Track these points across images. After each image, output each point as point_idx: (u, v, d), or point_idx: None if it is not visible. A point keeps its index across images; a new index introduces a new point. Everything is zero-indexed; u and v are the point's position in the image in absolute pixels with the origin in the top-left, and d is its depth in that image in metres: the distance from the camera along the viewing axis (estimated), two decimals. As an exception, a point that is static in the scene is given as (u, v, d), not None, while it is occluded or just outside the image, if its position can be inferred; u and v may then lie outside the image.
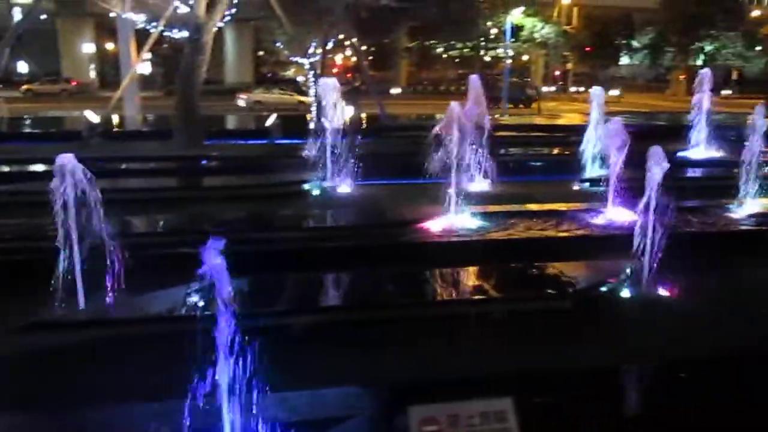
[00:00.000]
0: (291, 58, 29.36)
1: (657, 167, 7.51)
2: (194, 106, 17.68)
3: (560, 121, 28.18)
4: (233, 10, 19.74)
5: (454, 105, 9.94)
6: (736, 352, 6.23)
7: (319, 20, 22.26)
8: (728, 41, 53.98)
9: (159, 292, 7.11)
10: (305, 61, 23.94)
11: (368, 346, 6.11)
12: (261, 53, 61.35)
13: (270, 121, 18.69)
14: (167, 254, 7.75)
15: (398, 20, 35.55)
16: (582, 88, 58.84)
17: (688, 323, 7.01)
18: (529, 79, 58.02)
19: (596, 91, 13.57)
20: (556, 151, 17.19)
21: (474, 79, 12.52)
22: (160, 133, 19.14)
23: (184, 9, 17.53)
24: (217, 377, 4.02)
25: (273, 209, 11.32)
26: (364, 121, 22.82)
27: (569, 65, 61.37)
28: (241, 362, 4.05)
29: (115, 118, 23.31)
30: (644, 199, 7.90)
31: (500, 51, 46.82)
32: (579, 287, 7.74)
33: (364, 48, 32.60)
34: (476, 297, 7.61)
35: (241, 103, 39.09)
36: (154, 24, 19.23)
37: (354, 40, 26.91)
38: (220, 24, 18.89)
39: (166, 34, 19.77)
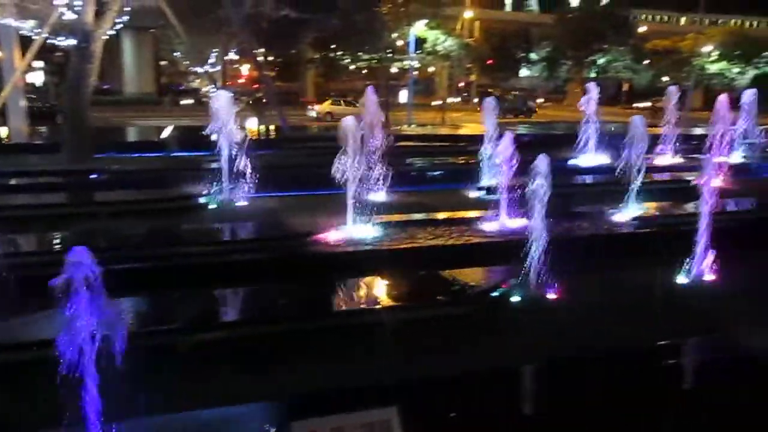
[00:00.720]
0: (191, 68, 28.63)
1: (541, 176, 7.76)
2: (84, 117, 16.83)
3: (461, 131, 28.95)
4: (125, 18, 18.98)
5: (349, 117, 9.96)
6: (622, 348, 6.56)
7: (218, 30, 21.81)
8: (618, 55, 57.19)
9: (31, 316, 6.65)
10: (205, 71, 23.38)
11: (261, 362, 5.97)
12: (163, 63, 59.49)
13: (166, 133, 18.08)
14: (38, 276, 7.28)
15: (301, 31, 35.43)
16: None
17: (577, 323, 7.27)
18: (517, 93, 60.19)
19: (489, 102, 13.98)
20: (455, 160, 17.56)
21: (370, 91, 12.60)
22: (47, 145, 18.11)
23: (70, 15, 16.66)
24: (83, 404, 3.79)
25: (166, 224, 10.88)
26: (265, 133, 22.51)
27: (472, 77, 63.18)
28: (108, 387, 3.83)
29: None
30: (531, 206, 8.17)
31: (406, 62, 47.56)
32: (474, 293, 7.88)
33: (270, 59, 32.29)
34: (372, 306, 7.60)
35: (312, 114, 41.69)
36: (38, 31, 18.19)
37: (258, 50, 26.55)
38: (112, 32, 18.12)
39: (52, 41, 18.71)
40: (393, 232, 9.94)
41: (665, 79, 63.92)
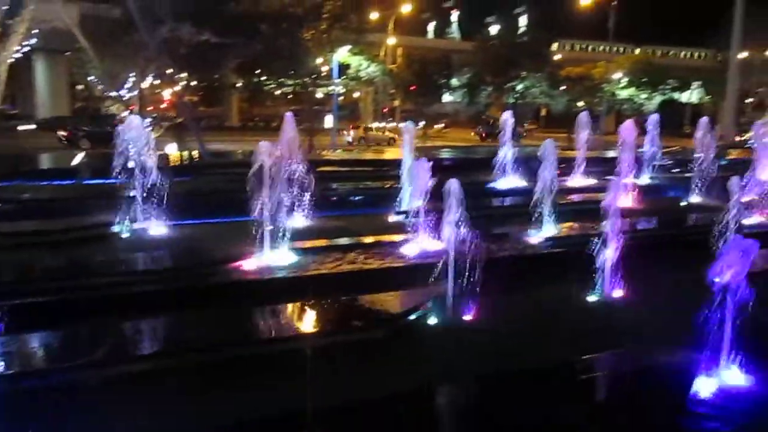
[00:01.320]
0: (105, 93, 27.77)
1: (455, 199, 7.88)
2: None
3: (383, 156, 29.21)
4: (34, 41, 18.27)
5: (264, 143, 9.87)
6: (539, 365, 6.69)
7: (135, 55, 21.26)
8: (535, 81, 59.40)
9: None
10: (120, 96, 22.72)
11: (173, 395, 5.76)
12: (79, 87, 57.42)
13: (77, 159, 17.40)
14: None
15: (223, 56, 35.01)
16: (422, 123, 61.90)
17: (492, 342, 7.38)
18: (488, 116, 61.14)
19: (408, 125, 14.17)
20: (376, 184, 17.67)
21: (289, 117, 12.53)
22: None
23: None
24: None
25: (75, 255, 10.42)
26: (185, 158, 22.02)
27: (396, 102, 64.10)
28: None
29: None
30: (446, 229, 8.28)
31: (330, 88, 47.82)
32: (391, 316, 7.89)
33: (193, 83, 31.68)
34: (288, 334, 7.48)
35: (348, 139, 45.86)
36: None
37: (179, 75, 26.05)
38: (19, 55, 17.38)
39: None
40: (310, 258, 9.85)
41: (580, 104, 66.88)
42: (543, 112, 75.41)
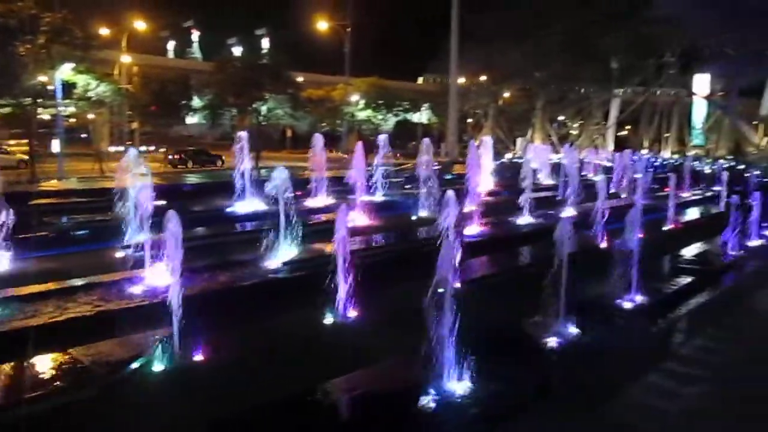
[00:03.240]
0: None
1: (172, 229, 7.26)
2: None
3: (111, 184, 26.80)
4: None
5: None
6: (276, 397, 6.35)
7: None
8: (278, 103, 60.01)
9: None
10: None
11: None
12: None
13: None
14: None
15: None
16: (152, 147, 58.33)
17: (228, 380, 6.88)
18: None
19: (131, 152, 13.06)
20: (104, 216, 16.03)
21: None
22: None
23: None
24: None
25: None
26: None
27: (134, 124, 60.12)
28: None
29: None
30: (169, 262, 7.61)
31: (55, 109, 43.07)
32: (105, 370, 6.94)
33: None
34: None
35: None
36: None
37: None
38: None
39: None
40: (12, 308, 8.40)
41: (324, 125, 69.25)
42: (289, 133, 76.62)
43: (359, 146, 16.92)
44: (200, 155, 54.44)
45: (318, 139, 18.84)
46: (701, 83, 70.97)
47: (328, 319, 8.96)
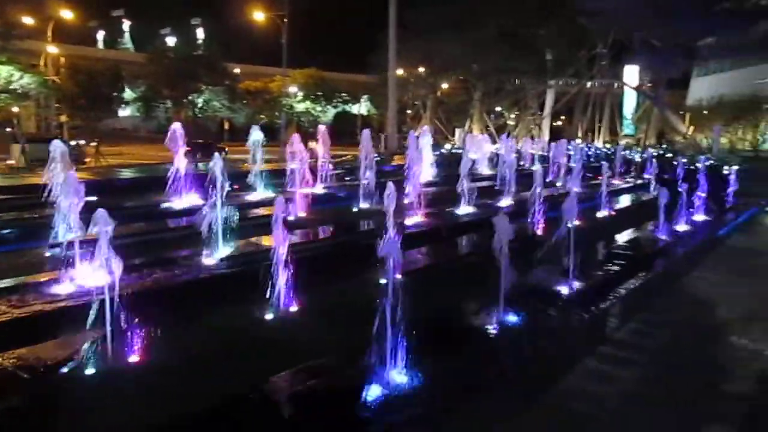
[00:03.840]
0: None
1: (102, 227, 6.97)
2: None
3: (38, 179, 25.63)
4: None
5: None
6: (219, 397, 6.20)
7: None
8: (214, 95, 58.92)
9: None
10: None
11: None
12: None
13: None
14: None
15: None
16: (82, 141, 56.16)
17: (162, 382, 6.68)
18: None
19: (56, 143, 12.44)
20: (32, 213, 15.29)
21: None
22: None
23: None
24: None
25: None
26: None
27: (63, 117, 57.88)
28: None
29: None
30: (101, 259, 7.32)
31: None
32: (33, 375, 6.62)
33: None
34: None
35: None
36: None
37: None
38: None
39: None
40: None
41: (262, 117, 68.36)
42: (227, 126, 75.30)
43: (296, 138, 16.66)
44: (209, 148, 52.57)
45: (255, 132, 18.47)
46: (631, 74, 73.40)
47: (267, 315, 8.81)
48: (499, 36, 56.95)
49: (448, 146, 57.97)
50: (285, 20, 53.43)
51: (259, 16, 55.83)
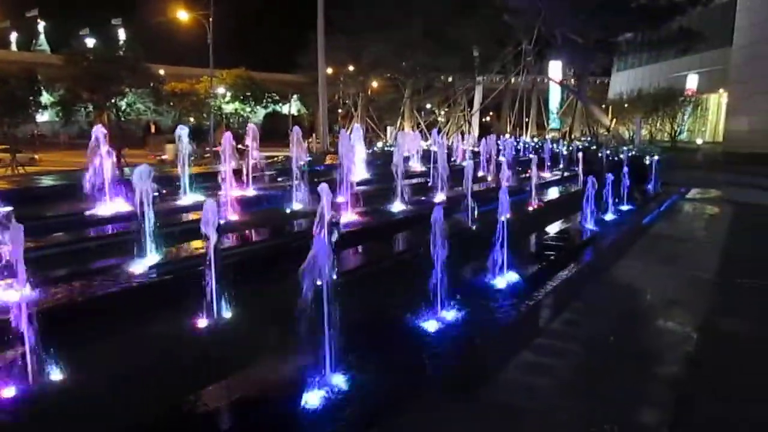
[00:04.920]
0: None
1: (16, 238, 6.55)
2: None
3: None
4: None
5: None
6: (148, 415, 5.95)
7: None
8: (138, 97, 57.02)
9: None
10: None
11: None
12: None
13: None
14: None
15: None
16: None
17: (90, 400, 6.32)
18: None
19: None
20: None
21: None
22: None
23: None
24: None
25: None
26: None
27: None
28: None
29: None
30: (16, 275, 6.86)
31: None
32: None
33: None
34: None
35: None
36: None
37: None
38: None
39: None
40: None
41: (191, 119, 66.73)
42: (153, 129, 73.20)
43: (226, 138, 16.17)
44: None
45: (182, 132, 17.86)
46: (555, 70, 75.46)
47: (199, 324, 8.51)
48: (424, 34, 57.44)
49: (380, 144, 58.11)
50: (210, 20, 52.28)
51: (183, 16, 54.33)
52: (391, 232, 14.15)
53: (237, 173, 17.60)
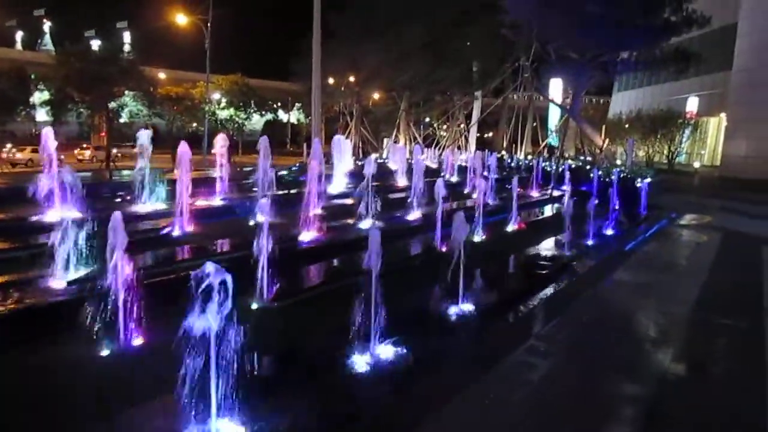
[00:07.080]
0: None
1: None
2: None
3: None
4: None
5: None
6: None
7: None
8: (133, 99, 56.31)
9: None
10: None
11: None
12: None
13: None
14: None
15: None
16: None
17: None
18: None
19: None
20: None
21: None
22: None
23: None
24: None
25: None
26: None
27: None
28: None
29: None
30: None
31: None
32: None
33: None
34: None
35: None
36: None
37: None
38: None
39: None
40: None
41: (184, 124, 66.08)
42: (150, 132, 72.53)
43: (183, 147, 15.29)
44: None
45: (143, 136, 17.17)
46: (556, 87, 74.77)
47: (102, 351, 7.69)
48: (423, 47, 56.79)
49: (375, 156, 57.39)
50: (209, 24, 51.74)
51: (182, 20, 53.66)
52: (346, 250, 13.26)
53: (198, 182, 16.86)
